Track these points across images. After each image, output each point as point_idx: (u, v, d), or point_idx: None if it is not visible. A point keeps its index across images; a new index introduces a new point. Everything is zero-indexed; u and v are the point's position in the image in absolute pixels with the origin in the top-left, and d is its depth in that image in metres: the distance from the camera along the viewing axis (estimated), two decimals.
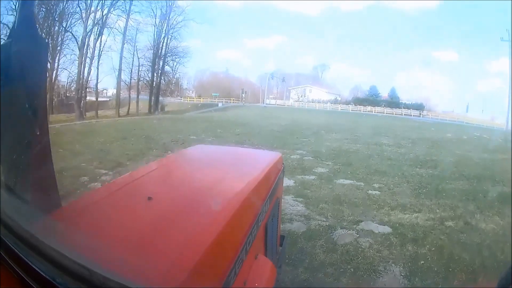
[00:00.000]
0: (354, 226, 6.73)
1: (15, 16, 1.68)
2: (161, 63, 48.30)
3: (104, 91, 49.57)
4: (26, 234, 1.38)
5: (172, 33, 48.30)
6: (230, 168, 2.96)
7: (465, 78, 70.60)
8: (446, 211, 7.87)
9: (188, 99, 56.88)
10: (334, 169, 11.48)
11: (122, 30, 44.35)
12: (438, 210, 7.89)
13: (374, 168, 11.79)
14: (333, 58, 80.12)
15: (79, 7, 40.58)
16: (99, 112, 42.74)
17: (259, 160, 3.43)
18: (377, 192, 9.10)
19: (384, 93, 57.65)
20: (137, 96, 46.79)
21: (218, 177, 2.59)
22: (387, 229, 6.63)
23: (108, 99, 48.67)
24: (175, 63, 50.50)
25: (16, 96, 1.68)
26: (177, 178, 2.76)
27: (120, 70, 44.77)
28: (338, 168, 11.62)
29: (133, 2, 44.34)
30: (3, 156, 1.69)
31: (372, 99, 55.99)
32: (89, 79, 42.60)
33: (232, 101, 55.66)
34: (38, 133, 1.74)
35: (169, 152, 12.26)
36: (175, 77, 53.91)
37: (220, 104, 52.92)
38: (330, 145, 16.37)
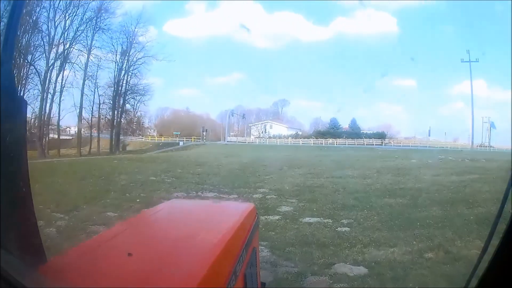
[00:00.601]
0: (326, 270, 6.01)
1: None
2: (121, 100, 48.46)
3: (68, 129, 50.11)
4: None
5: (132, 70, 48.57)
6: (205, 222, 3.01)
7: (424, 103, 72.57)
8: (423, 242, 7.28)
9: (150, 138, 57.11)
10: (299, 206, 10.74)
11: (83, 66, 44.46)
12: (414, 242, 7.29)
13: (341, 202, 11.09)
14: (293, 92, 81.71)
15: (43, 40, 40.66)
16: (62, 150, 42.56)
17: (233, 212, 3.47)
18: (346, 228, 8.38)
19: (345, 124, 58.66)
20: (98, 135, 46.89)
21: (194, 231, 2.60)
22: (362, 270, 5.94)
23: (71, 137, 48.66)
24: (136, 101, 50.91)
25: None
26: (154, 234, 2.77)
27: (81, 107, 44.81)
28: (303, 205, 10.89)
29: (94, 36, 44.76)
30: None
31: (333, 131, 56.53)
32: (51, 115, 42.42)
33: (193, 139, 55.19)
34: (20, 189, 1.80)
35: (127, 194, 12.02)
36: (137, 115, 54.36)
37: (181, 143, 52.60)
38: (293, 181, 15.66)
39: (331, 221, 8.99)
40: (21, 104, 1.82)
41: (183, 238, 2.46)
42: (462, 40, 61.11)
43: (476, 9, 55.76)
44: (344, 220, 9.07)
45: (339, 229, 8.34)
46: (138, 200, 11.21)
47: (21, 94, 36.96)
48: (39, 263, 1.85)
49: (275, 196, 12.30)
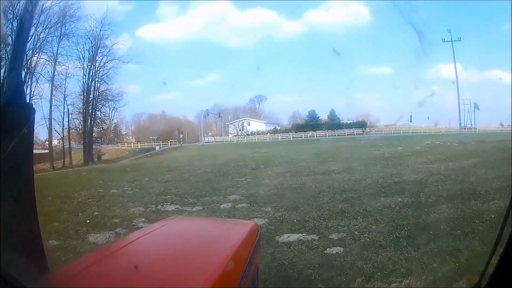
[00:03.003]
0: None
1: (3, 78, 1.75)
2: (91, 108, 46.48)
3: (46, 142, 47.43)
4: None
5: (100, 76, 46.29)
6: (209, 240, 2.92)
7: (401, 89, 72.89)
8: (446, 262, 5.26)
9: (126, 144, 55.40)
10: (275, 218, 8.56)
11: (50, 76, 42.32)
12: (435, 264, 5.17)
13: (327, 208, 8.99)
14: (270, 88, 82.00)
15: (6, 50, 37.79)
16: (38, 165, 39.43)
17: (235, 230, 3.40)
18: (338, 249, 6.17)
19: (323, 116, 57.83)
20: (69, 147, 45.26)
21: (197, 249, 2.59)
22: None
23: (47, 151, 45.93)
24: (110, 109, 49.01)
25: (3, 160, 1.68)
26: (158, 249, 2.65)
27: (50, 119, 43.02)
28: (280, 216, 8.69)
29: (60, 44, 42.06)
30: None
31: (312, 124, 55.36)
32: None
33: (169, 143, 53.76)
34: (25, 197, 1.82)
35: (79, 214, 10.53)
36: (113, 123, 52.81)
37: (157, 148, 50.95)
38: (270, 183, 13.66)
39: (316, 238, 6.82)
40: (30, 111, 1.83)
41: (187, 255, 2.44)
42: (434, 24, 61.30)
43: None
44: (333, 235, 6.91)
45: (328, 250, 6.15)
46: (88, 221, 9.52)
47: None
48: (41, 275, 1.84)
49: (247, 205, 10.23)
